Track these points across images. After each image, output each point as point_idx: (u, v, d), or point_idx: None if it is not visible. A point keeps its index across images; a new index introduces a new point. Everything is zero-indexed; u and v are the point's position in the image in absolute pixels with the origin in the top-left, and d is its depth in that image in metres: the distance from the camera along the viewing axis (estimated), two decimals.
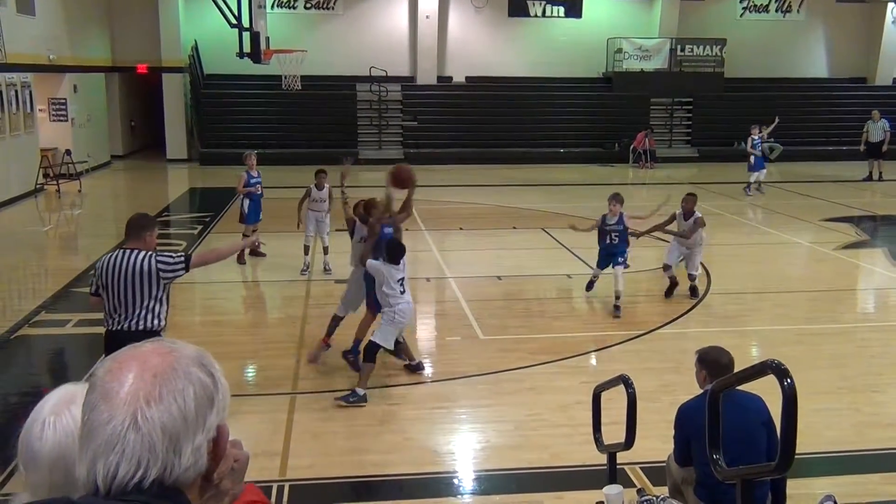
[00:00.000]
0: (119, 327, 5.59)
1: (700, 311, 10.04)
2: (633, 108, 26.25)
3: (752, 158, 19.27)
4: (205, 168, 23.91)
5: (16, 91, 17.86)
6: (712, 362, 4.39)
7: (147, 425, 1.15)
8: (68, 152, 19.94)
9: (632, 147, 25.27)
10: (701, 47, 27.16)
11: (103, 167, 23.73)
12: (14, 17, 17.80)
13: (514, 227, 15.21)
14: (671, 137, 27.23)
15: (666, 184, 22.14)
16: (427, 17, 26.52)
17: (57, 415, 1.58)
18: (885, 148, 21.58)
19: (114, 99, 25.41)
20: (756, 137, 19.16)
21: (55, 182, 19.16)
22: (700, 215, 10.53)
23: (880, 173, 21.51)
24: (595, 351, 8.74)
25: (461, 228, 14.75)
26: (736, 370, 4.17)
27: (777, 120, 20.03)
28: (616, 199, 10.24)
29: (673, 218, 10.71)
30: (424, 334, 9.47)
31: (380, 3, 26.94)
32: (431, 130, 25.80)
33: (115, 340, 5.58)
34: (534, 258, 13.19)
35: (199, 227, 15.38)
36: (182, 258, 5.61)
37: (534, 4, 27.62)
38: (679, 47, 27.01)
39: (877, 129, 21.72)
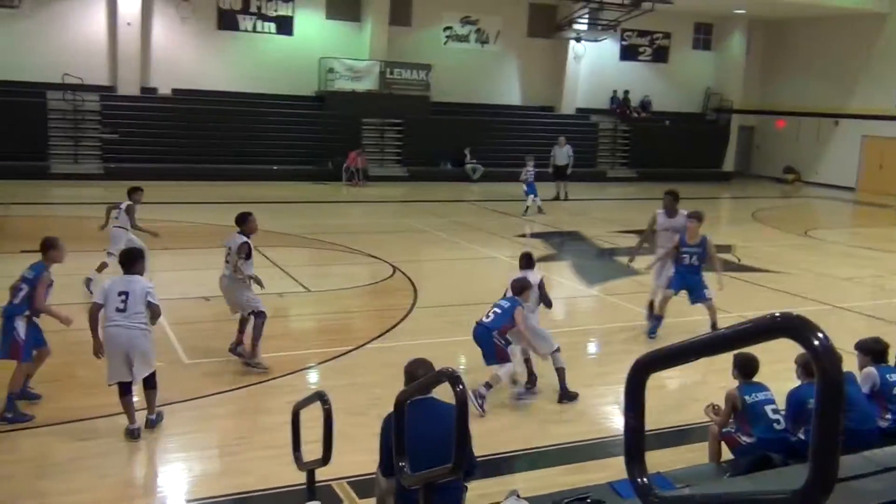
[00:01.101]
0: None
1: (407, 325, 10.40)
2: (345, 128, 26.69)
3: (525, 186, 20.43)
4: None
5: None
6: (408, 374, 4.55)
7: None
8: None
9: (344, 166, 25.69)
10: (409, 71, 28.35)
11: None
12: None
13: (222, 245, 14.73)
14: (383, 157, 28.08)
15: (377, 202, 22.81)
16: (128, 24, 24.97)
17: None
18: (569, 171, 23.97)
19: None
20: (529, 168, 20.45)
21: None
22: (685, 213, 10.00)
23: (566, 193, 23.82)
24: (306, 369, 8.72)
25: (165, 248, 14.01)
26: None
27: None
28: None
29: (654, 222, 10.26)
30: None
31: (73, 5, 24.86)
32: (135, 144, 24.27)
33: None
34: None
35: None
36: None
37: (244, 19, 27.14)
38: (388, 70, 27.99)
39: (562, 153, 24.09)
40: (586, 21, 30.68)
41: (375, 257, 14.39)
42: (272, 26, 27.53)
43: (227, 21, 26.89)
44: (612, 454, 6.46)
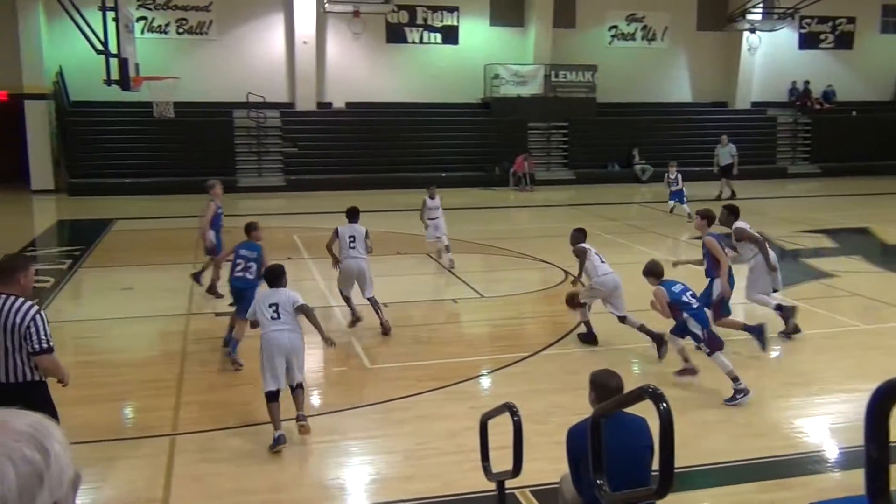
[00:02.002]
0: None
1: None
2: (511, 133, 26.83)
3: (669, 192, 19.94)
4: (74, 199, 22.83)
5: None
6: (601, 385, 4.43)
7: None
8: None
9: (512, 170, 25.80)
10: (573, 73, 28.11)
11: None
12: None
13: (399, 253, 15.17)
14: (549, 161, 27.98)
15: (544, 206, 22.71)
16: (304, 42, 26.35)
17: None
18: (735, 171, 22.64)
19: None
20: (672, 174, 19.87)
21: None
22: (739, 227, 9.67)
23: (732, 192, 22.56)
24: (483, 375, 8.78)
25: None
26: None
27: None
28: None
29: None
30: (311, 365, 9.27)
31: (255, 28, 26.58)
32: (312, 157, 25.56)
33: None
34: (419, 284, 13.22)
35: (69, 262, 14.61)
36: (49, 346, 5.17)
37: (411, 31, 27.91)
38: (553, 73, 27.86)
39: (725, 153, 22.84)
40: (761, 10, 29.23)
41: (546, 262, 14.31)
42: (438, 36, 28.14)
43: (395, 34, 27.74)
44: (810, 471, 6.08)
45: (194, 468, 6.41)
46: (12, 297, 5.16)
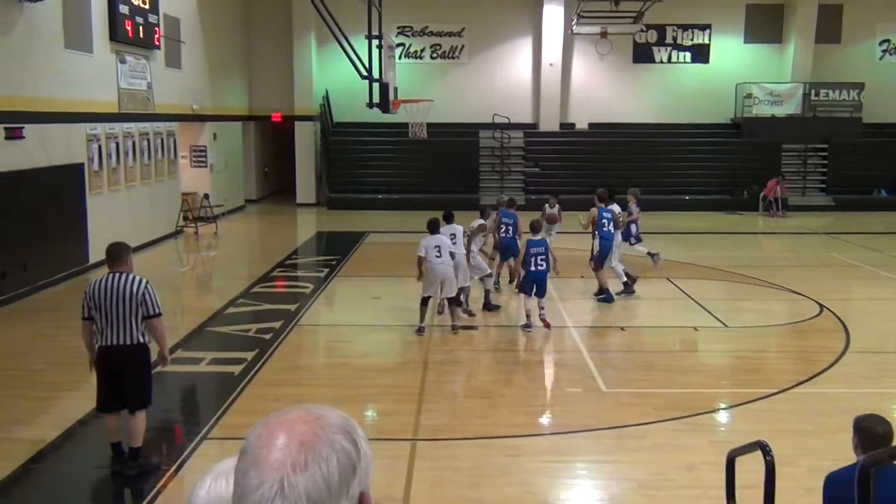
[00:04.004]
0: (111, 342, 6.27)
1: (838, 370, 9.48)
2: (762, 155, 25.44)
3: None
4: (332, 212, 24.71)
5: (162, 139, 19.04)
6: (866, 431, 4.05)
7: (293, 492, 1.18)
8: (206, 196, 21.02)
9: (762, 195, 24.41)
10: (837, 91, 26.13)
11: (238, 211, 24.88)
12: (163, 71, 19.08)
13: (638, 276, 14.86)
14: (804, 185, 26.16)
15: (797, 233, 21.23)
16: (551, 64, 26.70)
17: (216, 479, 1.65)
18: None
19: (249, 146, 26.69)
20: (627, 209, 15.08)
21: (194, 224, 20.21)
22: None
23: None
24: (724, 409, 8.39)
25: (582, 277, 14.55)
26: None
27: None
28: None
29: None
30: (545, 384, 9.37)
31: (504, 52, 27.34)
32: (553, 177, 25.74)
33: (107, 355, 6.31)
34: (658, 309, 12.87)
35: (326, 270, 15.81)
36: (160, 311, 6.49)
37: (659, 51, 27.37)
38: (813, 92, 26.08)
39: None
40: None
41: (798, 293, 13.39)
42: (687, 55, 27.37)
43: (642, 54, 27.34)
44: None
45: (432, 474, 6.68)
46: (125, 273, 6.32)
